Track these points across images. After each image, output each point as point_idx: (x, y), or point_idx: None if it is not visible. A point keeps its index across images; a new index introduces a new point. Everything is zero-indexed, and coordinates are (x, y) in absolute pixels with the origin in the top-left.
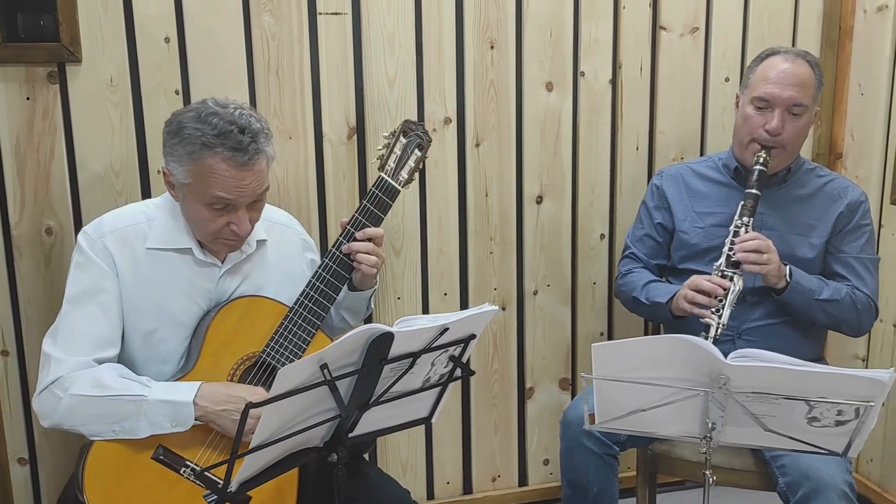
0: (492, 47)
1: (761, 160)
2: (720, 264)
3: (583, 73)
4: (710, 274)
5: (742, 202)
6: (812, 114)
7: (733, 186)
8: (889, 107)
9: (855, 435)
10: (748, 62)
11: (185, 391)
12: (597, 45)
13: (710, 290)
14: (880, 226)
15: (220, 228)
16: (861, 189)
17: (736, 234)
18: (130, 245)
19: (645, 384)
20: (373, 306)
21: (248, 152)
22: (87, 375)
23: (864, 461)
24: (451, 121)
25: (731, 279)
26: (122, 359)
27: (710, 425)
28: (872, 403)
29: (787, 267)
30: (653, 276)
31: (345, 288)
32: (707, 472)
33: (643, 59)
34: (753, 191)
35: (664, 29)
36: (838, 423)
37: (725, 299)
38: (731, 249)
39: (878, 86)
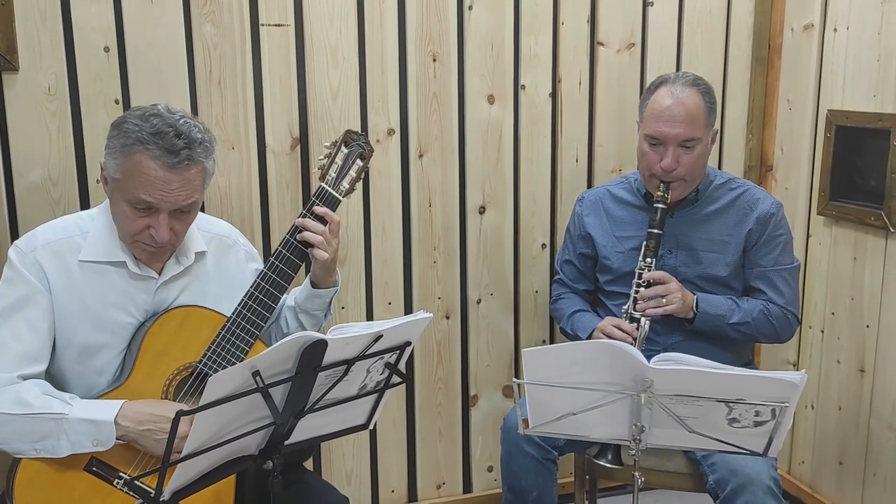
0: (434, 60)
1: (660, 198)
2: (627, 308)
3: (523, 87)
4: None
5: (645, 242)
6: (707, 141)
7: (647, 209)
8: (815, 121)
9: (773, 435)
10: None
11: (107, 410)
12: (537, 60)
13: (620, 339)
14: (808, 235)
15: (139, 230)
16: (773, 199)
17: (640, 275)
18: (63, 258)
19: (573, 388)
20: (332, 313)
21: (179, 156)
22: (9, 393)
23: (796, 463)
24: (394, 132)
25: (639, 322)
26: (55, 373)
27: (638, 428)
28: (787, 404)
29: (695, 297)
30: (580, 302)
31: (303, 286)
32: (636, 474)
33: (582, 73)
34: (655, 230)
35: (602, 44)
36: (757, 424)
37: (636, 342)
38: (636, 292)
39: (806, 101)
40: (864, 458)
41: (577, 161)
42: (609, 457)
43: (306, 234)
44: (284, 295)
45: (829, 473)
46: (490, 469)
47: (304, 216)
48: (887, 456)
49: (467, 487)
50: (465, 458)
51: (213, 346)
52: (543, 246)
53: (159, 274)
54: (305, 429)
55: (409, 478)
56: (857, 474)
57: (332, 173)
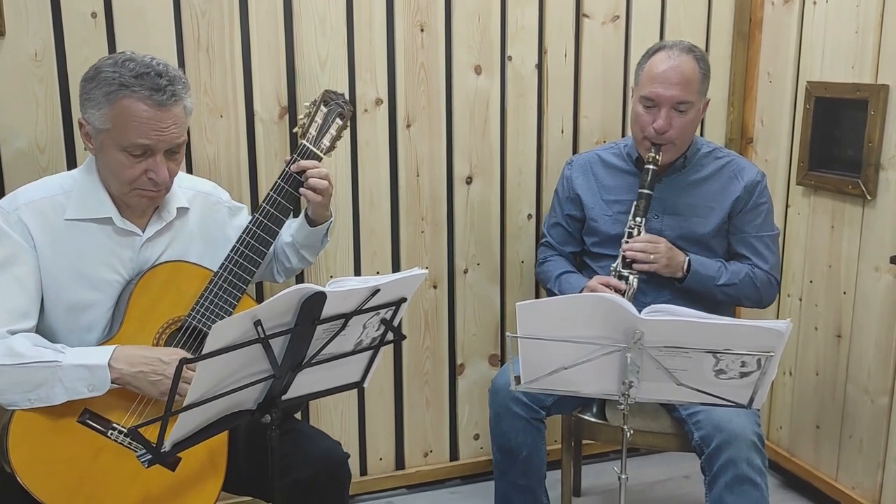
0: (422, 30)
1: (651, 159)
2: (616, 266)
3: (510, 58)
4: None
5: (635, 202)
6: (699, 107)
7: (636, 174)
8: (795, 94)
9: (758, 386)
10: None
11: (100, 354)
12: (523, 31)
13: None
14: (787, 206)
15: (137, 176)
16: (757, 168)
17: (630, 234)
18: (47, 217)
19: (566, 342)
20: (329, 239)
21: (166, 93)
22: (0, 346)
23: (774, 428)
24: (382, 102)
25: (627, 280)
26: (45, 331)
27: (627, 383)
28: (772, 354)
29: (687, 259)
30: (566, 264)
31: (299, 225)
32: (625, 427)
33: (567, 45)
34: (645, 191)
35: (587, 16)
36: (742, 375)
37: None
38: (625, 250)
39: (785, 74)
40: (841, 421)
41: (562, 132)
42: (594, 410)
43: (313, 182)
44: (274, 242)
45: (807, 437)
46: (476, 437)
47: (289, 172)
48: (863, 419)
49: (454, 455)
50: (451, 426)
51: (202, 300)
52: (529, 216)
53: (143, 230)
54: (302, 384)
55: (397, 445)
56: (834, 437)
57: (313, 131)
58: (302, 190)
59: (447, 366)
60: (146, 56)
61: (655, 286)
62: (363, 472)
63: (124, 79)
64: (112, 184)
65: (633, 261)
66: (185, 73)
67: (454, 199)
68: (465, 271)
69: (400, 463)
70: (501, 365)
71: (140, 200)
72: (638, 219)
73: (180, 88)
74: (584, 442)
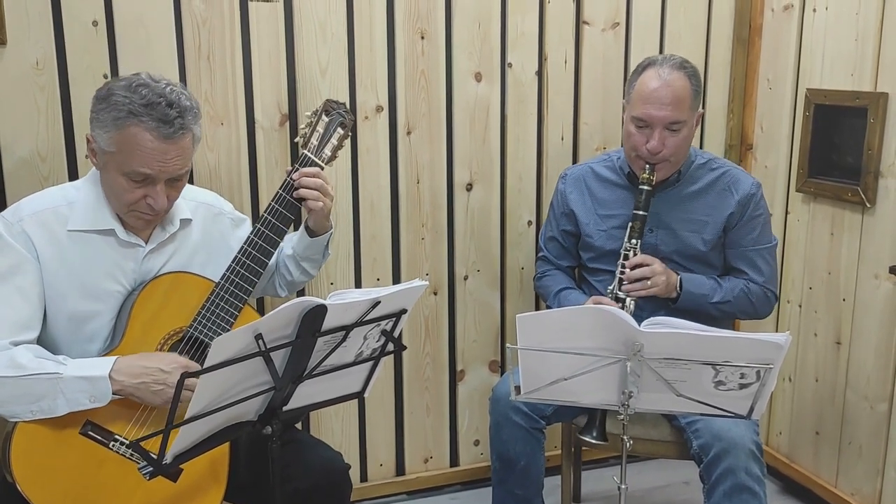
0: (422, 38)
1: (645, 180)
2: (613, 288)
3: (510, 65)
4: (614, 274)
5: (630, 223)
6: (692, 123)
7: (629, 188)
8: (794, 100)
9: (757, 397)
10: None
11: (101, 366)
12: (523, 38)
13: None
14: (786, 212)
15: (136, 200)
16: (752, 179)
17: (626, 256)
18: (50, 228)
19: (566, 353)
20: (330, 252)
21: (174, 126)
22: (2, 357)
23: (774, 434)
24: (382, 109)
25: (624, 301)
26: (47, 341)
27: (627, 393)
28: (772, 366)
29: (679, 278)
30: (566, 280)
31: (300, 236)
32: (625, 437)
33: (567, 52)
34: (640, 212)
35: (587, 23)
36: (742, 387)
37: None
38: (622, 273)
39: (785, 80)
40: (840, 427)
41: (562, 139)
42: (594, 433)
43: (303, 191)
44: (276, 252)
45: (806, 443)
46: (476, 443)
47: (290, 182)
48: (862, 425)
49: (454, 461)
50: (451, 433)
51: (203, 311)
52: (529, 223)
53: (146, 242)
54: (303, 395)
55: (397, 452)
56: (833, 443)
57: (314, 141)
58: (296, 193)
59: (447, 372)
60: (161, 81)
61: (653, 306)
62: (364, 478)
63: (134, 106)
64: (111, 202)
65: (629, 291)
66: (185, 81)
67: (454, 206)
68: (466, 278)
69: (400, 469)
70: (501, 371)
71: (137, 222)
72: (633, 241)
73: (190, 119)
74: (584, 448)
